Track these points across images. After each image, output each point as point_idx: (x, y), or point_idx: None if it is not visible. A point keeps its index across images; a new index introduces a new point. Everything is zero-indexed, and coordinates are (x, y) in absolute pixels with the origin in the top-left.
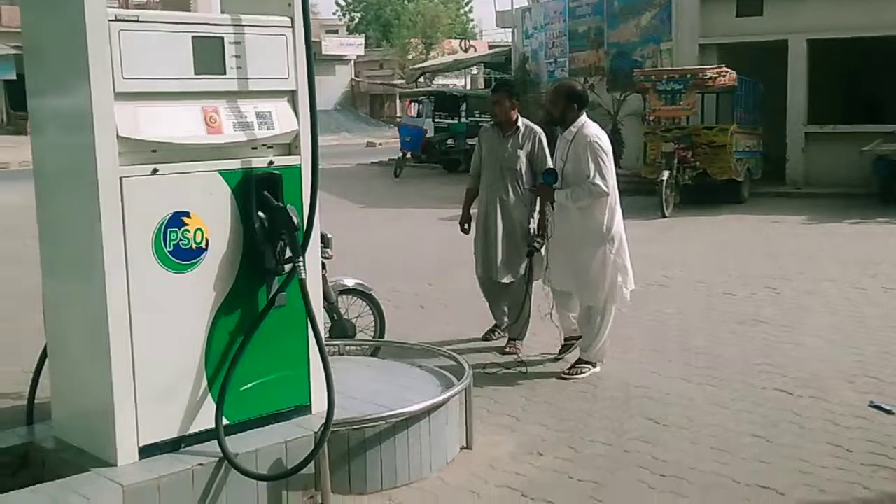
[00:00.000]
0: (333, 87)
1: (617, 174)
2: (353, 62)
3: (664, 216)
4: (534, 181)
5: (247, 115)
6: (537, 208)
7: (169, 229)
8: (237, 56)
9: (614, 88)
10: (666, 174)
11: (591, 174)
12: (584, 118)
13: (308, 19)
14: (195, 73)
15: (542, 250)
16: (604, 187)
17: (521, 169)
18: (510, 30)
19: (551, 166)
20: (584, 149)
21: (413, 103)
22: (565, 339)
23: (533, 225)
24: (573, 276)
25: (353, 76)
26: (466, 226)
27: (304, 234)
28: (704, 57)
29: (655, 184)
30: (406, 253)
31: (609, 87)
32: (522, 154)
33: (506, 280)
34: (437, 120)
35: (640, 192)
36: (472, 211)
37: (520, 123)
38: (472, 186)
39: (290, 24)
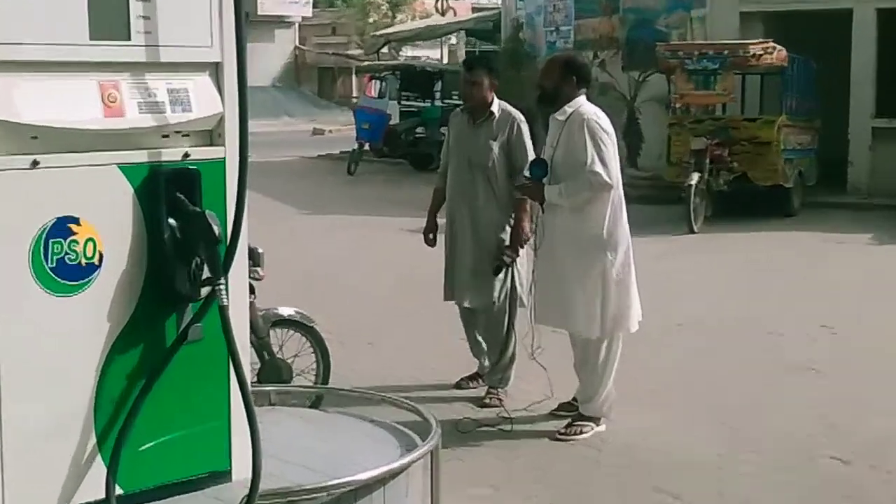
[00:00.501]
0: (272, 57)
1: (633, 177)
2: (297, 25)
3: (692, 231)
4: (510, 178)
5: (156, 94)
6: (507, 212)
7: (51, 240)
8: (145, 17)
9: (632, 66)
10: (695, 178)
11: (589, 160)
12: (582, 98)
13: None
14: (90, 39)
15: (523, 270)
16: (605, 177)
17: (494, 165)
18: None
19: (535, 156)
20: (580, 129)
21: (374, 80)
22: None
23: (507, 231)
24: (561, 301)
25: (297, 43)
26: (432, 236)
27: (228, 248)
28: (746, 29)
29: (682, 190)
30: (360, 273)
31: (625, 65)
32: (496, 146)
33: (473, 305)
34: (403, 102)
35: (661, 200)
36: (440, 219)
37: (495, 108)
38: (440, 186)
39: None
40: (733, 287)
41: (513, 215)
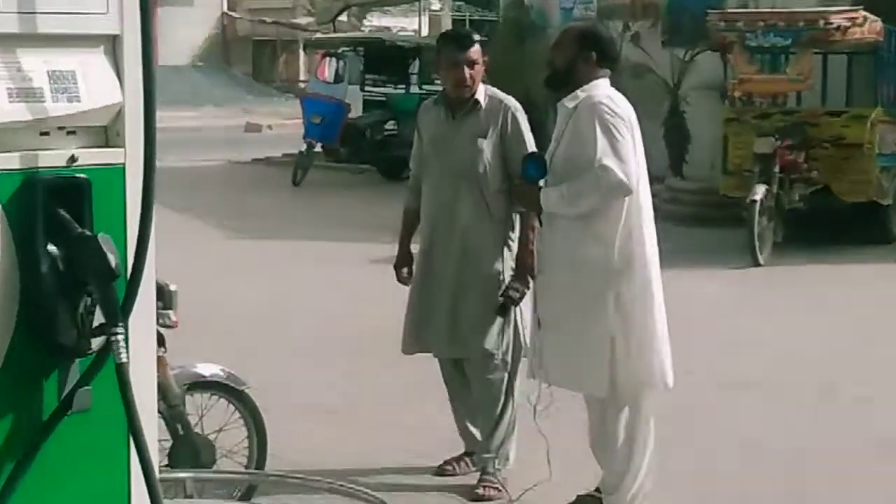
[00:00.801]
0: (191, 26)
1: (677, 189)
2: None
3: (757, 263)
4: (507, 187)
5: (31, 77)
6: (516, 233)
7: None
8: None
9: (674, 42)
10: (761, 191)
11: (599, 152)
12: (601, 81)
13: None
14: None
15: (525, 308)
16: (620, 174)
17: (485, 171)
18: None
19: (535, 151)
20: (588, 117)
21: (328, 59)
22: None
23: (509, 262)
24: (561, 348)
25: (224, 8)
26: (406, 271)
27: (128, 285)
28: None
29: (743, 207)
30: (311, 319)
31: (666, 41)
32: (487, 146)
33: (460, 355)
34: (368, 89)
35: (715, 222)
36: (417, 246)
37: (480, 96)
38: (412, 205)
39: None
40: (810, 338)
41: (512, 236)
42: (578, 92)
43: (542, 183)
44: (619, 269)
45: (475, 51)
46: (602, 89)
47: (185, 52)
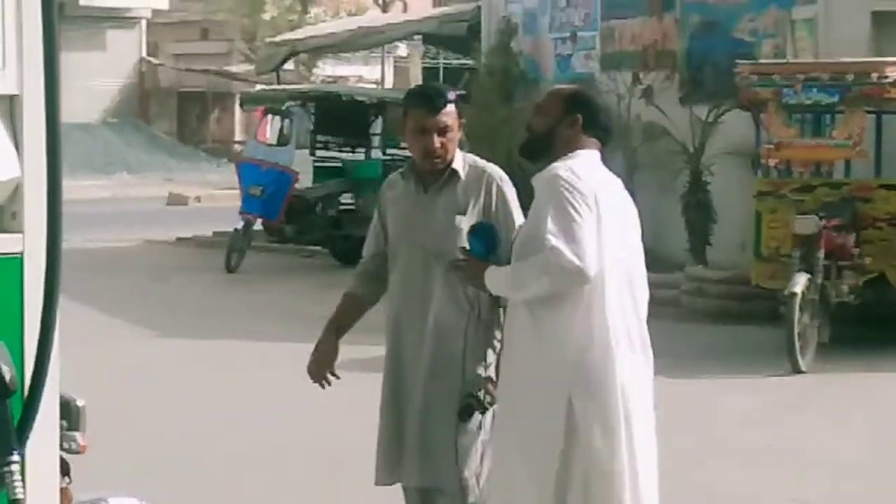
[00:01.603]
0: (102, 75)
1: (699, 279)
2: (144, 24)
3: (798, 369)
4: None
5: None
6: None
7: None
8: None
9: (695, 98)
10: (802, 281)
11: (549, 230)
12: (586, 153)
13: None
14: None
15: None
16: (572, 257)
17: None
18: None
19: (479, 221)
20: (545, 189)
21: (270, 116)
22: None
23: (491, 362)
24: (502, 481)
25: (143, 54)
26: (324, 357)
27: (27, 402)
28: (882, 38)
29: (780, 300)
30: (251, 441)
31: (685, 97)
32: (466, 224)
33: (426, 484)
34: (320, 153)
35: (745, 318)
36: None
37: (458, 164)
38: (358, 291)
39: None
40: (864, 460)
41: (499, 335)
42: (554, 163)
43: (491, 258)
44: (571, 375)
45: (449, 113)
46: (577, 160)
47: (94, 106)
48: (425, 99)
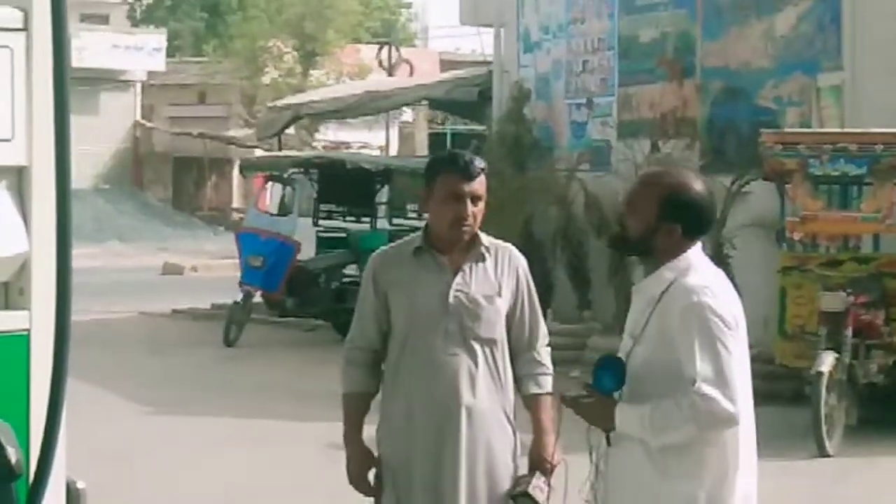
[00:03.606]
0: (96, 139)
1: None
2: (139, 87)
3: (824, 452)
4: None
5: None
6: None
7: None
8: None
9: (716, 168)
10: (829, 361)
11: (698, 373)
12: (692, 255)
13: (63, 14)
14: None
15: None
16: (726, 404)
17: (502, 340)
18: (488, 32)
19: (607, 354)
20: (685, 319)
21: (271, 184)
22: None
23: (518, 456)
24: None
25: (138, 117)
26: (375, 475)
27: (33, 487)
28: None
29: (805, 380)
30: None
31: (706, 165)
32: (503, 305)
33: None
34: (323, 223)
35: (769, 398)
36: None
37: (483, 241)
38: (365, 388)
39: (20, 26)
40: None
41: (512, 422)
42: (664, 272)
43: (616, 394)
44: None
45: (482, 182)
46: (697, 272)
47: (86, 172)
48: (461, 164)
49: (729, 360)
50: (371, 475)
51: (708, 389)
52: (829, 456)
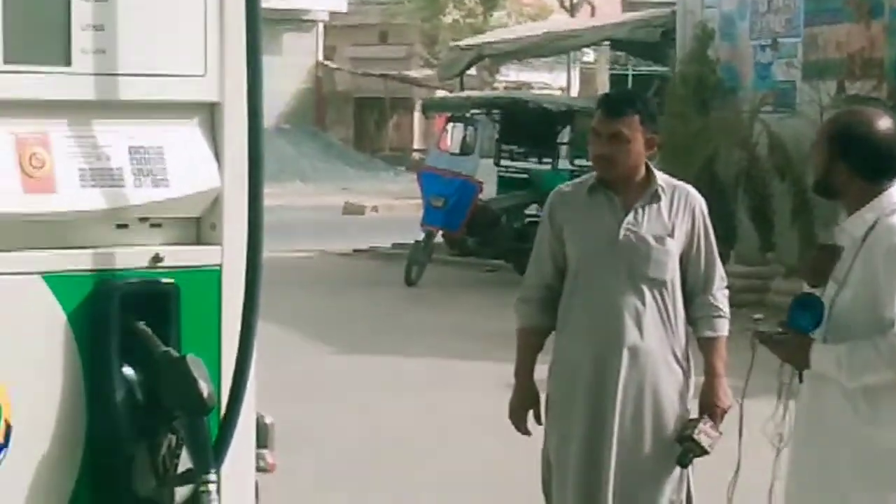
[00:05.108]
0: (278, 80)
1: None
2: (321, 28)
3: None
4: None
5: (109, 156)
6: (689, 362)
7: None
8: (97, 27)
9: None
10: None
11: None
12: (887, 196)
13: None
14: (4, 62)
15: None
16: None
17: (672, 281)
18: None
19: (808, 290)
20: (888, 260)
21: (453, 124)
22: None
23: (690, 399)
24: None
25: (320, 58)
26: (534, 414)
27: (224, 420)
28: None
29: None
30: (435, 458)
31: (894, 106)
32: (675, 247)
33: None
34: (505, 163)
35: None
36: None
37: (659, 181)
38: (538, 323)
39: None
40: None
41: (684, 364)
42: (865, 213)
43: (814, 334)
44: None
45: (625, 122)
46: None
47: (268, 112)
48: (605, 103)
49: None
50: (531, 414)
51: None
52: None
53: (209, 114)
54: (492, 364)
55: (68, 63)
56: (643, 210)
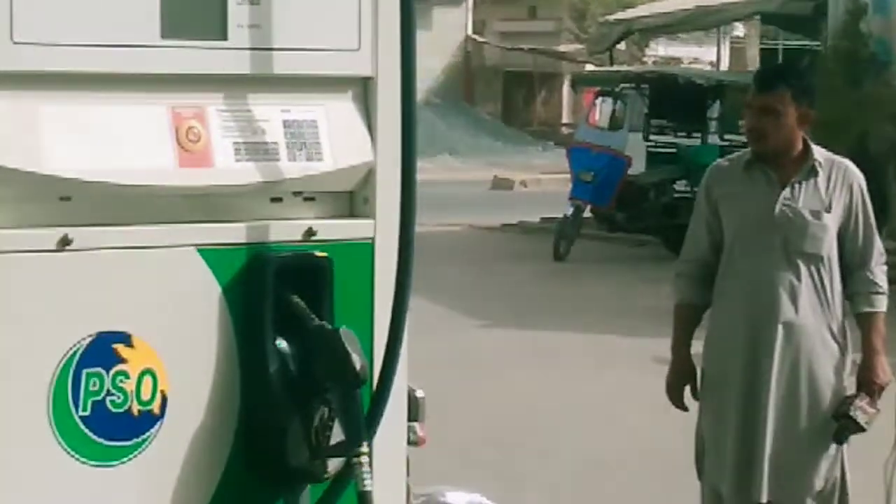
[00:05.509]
0: (426, 55)
1: None
2: (470, 2)
3: None
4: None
5: (265, 129)
6: (846, 338)
7: (86, 370)
8: (252, 2)
9: None
10: None
11: None
12: None
13: None
14: (162, 37)
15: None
16: None
17: (829, 257)
18: None
19: None
20: None
21: (601, 99)
22: None
23: (847, 375)
24: None
25: (469, 32)
26: (689, 389)
27: (376, 393)
28: None
29: None
30: (585, 434)
31: None
32: (832, 223)
33: (780, 499)
34: (654, 138)
35: None
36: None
37: (817, 156)
38: (693, 299)
39: None
40: None
41: (840, 340)
42: None
43: None
44: None
45: (776, 96)
46: None
47: (418, 86)
48: (758, 78)
49: None
50: (687, 389)
51: None
52: None
53: (363, 88)
54: (643, 340)
55: (225, 37)
56: (800, 185)
